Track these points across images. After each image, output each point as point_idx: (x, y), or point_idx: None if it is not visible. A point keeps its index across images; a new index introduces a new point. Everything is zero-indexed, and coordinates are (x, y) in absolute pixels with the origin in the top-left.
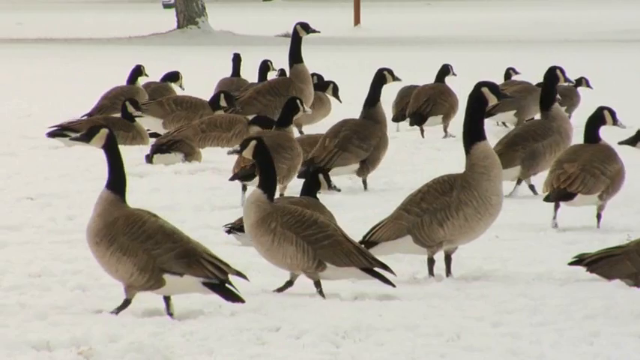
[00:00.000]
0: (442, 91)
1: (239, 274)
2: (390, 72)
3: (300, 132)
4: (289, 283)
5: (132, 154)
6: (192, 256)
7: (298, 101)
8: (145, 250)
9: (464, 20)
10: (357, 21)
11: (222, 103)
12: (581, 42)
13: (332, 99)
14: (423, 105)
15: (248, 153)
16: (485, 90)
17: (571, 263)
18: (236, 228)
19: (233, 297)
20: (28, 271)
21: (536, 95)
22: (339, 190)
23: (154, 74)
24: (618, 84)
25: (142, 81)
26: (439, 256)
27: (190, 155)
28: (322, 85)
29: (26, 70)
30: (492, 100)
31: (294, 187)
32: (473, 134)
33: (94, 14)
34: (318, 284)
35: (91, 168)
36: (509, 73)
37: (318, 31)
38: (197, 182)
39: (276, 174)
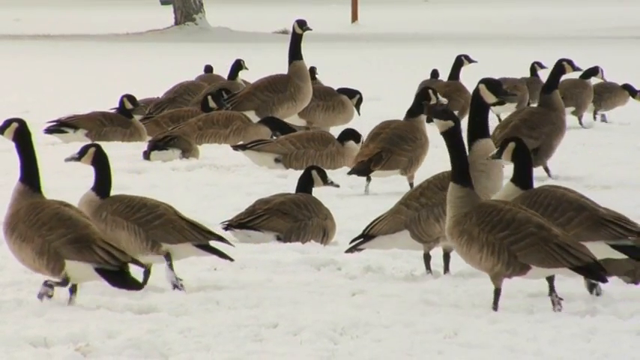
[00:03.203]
0: (457, 88)
1: (135, 261)
2: (570, 62)
3: (307, 127)
4: (147, 272)
5: (129, 151)
6: (85, 242)
7: (430, 91)
8: (40, 235)
9: (462, 17)
10: (354, 18)
11: (212, 104)
12: (579, 39)
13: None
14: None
15: (87, 160)
16: (481, 87)
17: None
18: (233, 225)
19: (127, 284)
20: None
21: (590, 90)
22: (337, 186)
23: (152, 71)
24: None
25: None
26: (438, 253)
27: (188, 152)
28: (349, 92)
29: (24, 66)
30: (489, 99)
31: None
32: (475, 131)
33: (92, 11)
34: (148, 272)
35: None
36: (534, 67)
37: (310, 29)
38: (195, 179)
39: (111, 179)
